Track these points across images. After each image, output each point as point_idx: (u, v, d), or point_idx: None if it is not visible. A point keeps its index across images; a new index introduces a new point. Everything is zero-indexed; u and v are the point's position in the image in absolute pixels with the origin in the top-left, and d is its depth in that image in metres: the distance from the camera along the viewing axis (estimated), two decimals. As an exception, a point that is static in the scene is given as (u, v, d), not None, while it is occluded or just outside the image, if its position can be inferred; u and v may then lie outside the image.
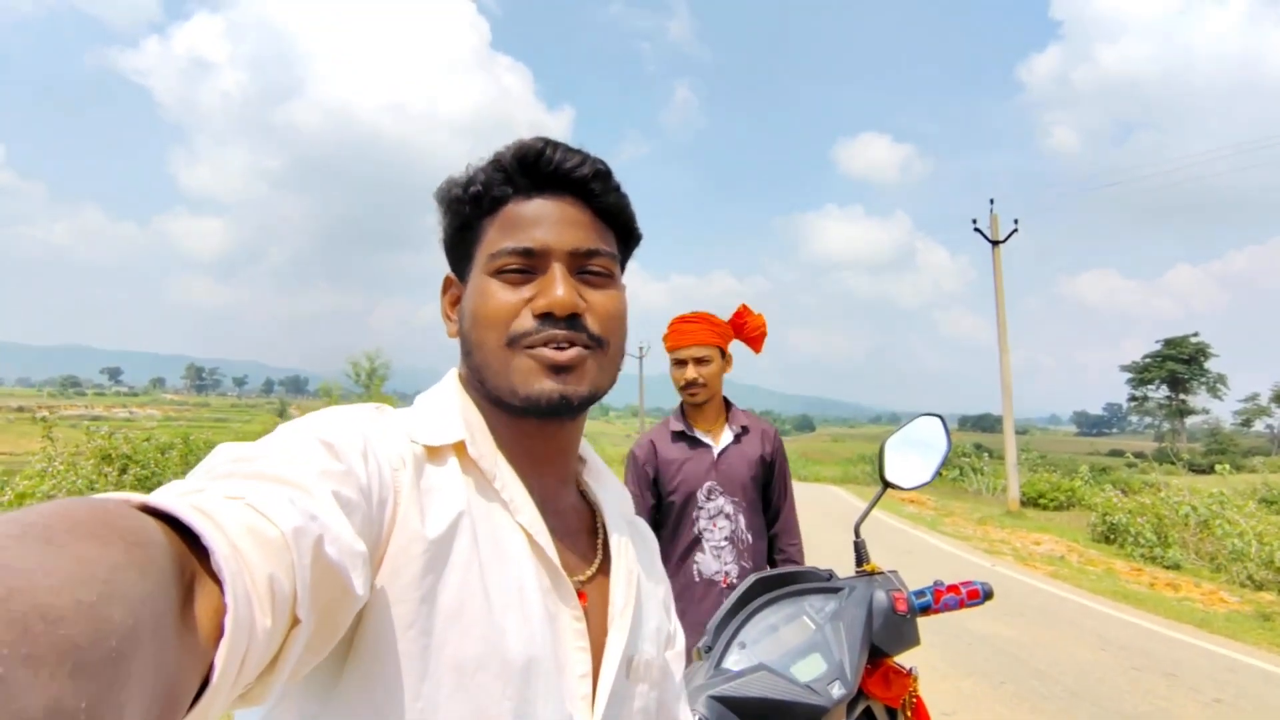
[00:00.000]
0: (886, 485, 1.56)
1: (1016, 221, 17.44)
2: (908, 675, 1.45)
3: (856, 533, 1.58)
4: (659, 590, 0.85)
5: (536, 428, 0.73)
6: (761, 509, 2.38)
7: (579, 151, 0.73)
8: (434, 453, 0.67)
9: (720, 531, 2.28)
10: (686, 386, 2.33)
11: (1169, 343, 54.57)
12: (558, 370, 0.69)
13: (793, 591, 1.42)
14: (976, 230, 17.62)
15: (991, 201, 17.75)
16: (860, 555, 1.55)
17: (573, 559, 0.74)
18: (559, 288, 0.69)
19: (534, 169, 0.72)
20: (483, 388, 0.72)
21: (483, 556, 0.64)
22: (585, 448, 0.83)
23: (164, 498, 0.40)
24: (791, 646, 1.31)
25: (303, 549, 0.44)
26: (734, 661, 1.30)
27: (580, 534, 0.78)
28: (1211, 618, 6.97)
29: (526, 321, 0.69)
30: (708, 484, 2.32)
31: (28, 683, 0.24)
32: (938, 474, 1.52)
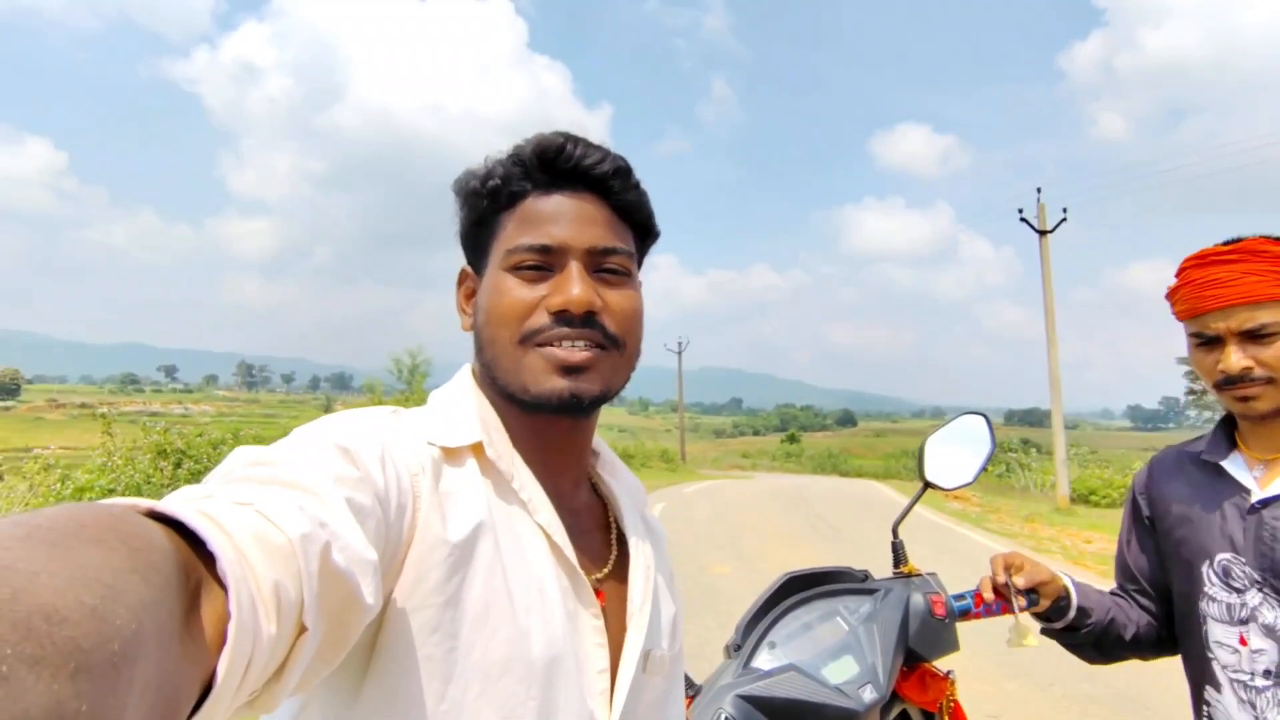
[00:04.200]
0: (927, 485, 1.51)
1: (1065, 210, 16.92)
2: (945, 679, 1.41)
3: (894, 533, 1.54)
4: (670, 579, 0.86)
5: (548, 424, 0.73)
6: None
7: (599, 148, 0.73)
8: (452, 455, 0.67)
9: (1257, 657, 1.16)
10: (1227, 384, 1.19)
11: (1229, 334, 52.45)
12: (569, 370, 0.68)
13: (827, 591, 1.39)
14: (1023, 220, 17.14)
15: (1039, 190, 17.27)
16: (898, 556, 1.51)
17: (588, 557, 0.74)
18: (575, 286, 0.68)
19: (553, 164, 0.71)
20: (495, 384, 0.72)
21: (504, 559, 0.64)
22: (597, 440, 0.83)
23: (171, 503, 0.40)
24: (823, 647, 1.28)
25: (310, 556, 0.44)
26: (764, 661, 1.28)
27: (595, 530, 0.78)
28: None
29: (541, 319, 0.69)
30: (1225, 556, 1.22)
31: (30, 683, 0.24)
32: (980, 474, 1.47)
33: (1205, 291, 1.17)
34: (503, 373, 0.70)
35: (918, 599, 1.36)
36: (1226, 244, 1.19)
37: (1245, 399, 1.17)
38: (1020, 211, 17.18)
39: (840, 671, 1.24)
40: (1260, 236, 1.17)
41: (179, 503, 0.40)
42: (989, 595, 1.32)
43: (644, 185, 0.77)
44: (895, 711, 1.34)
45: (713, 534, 10.62)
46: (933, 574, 1.46)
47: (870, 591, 1.38)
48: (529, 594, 0.65)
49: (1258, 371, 1.14)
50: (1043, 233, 16.87)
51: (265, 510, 0.43)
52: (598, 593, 0.72)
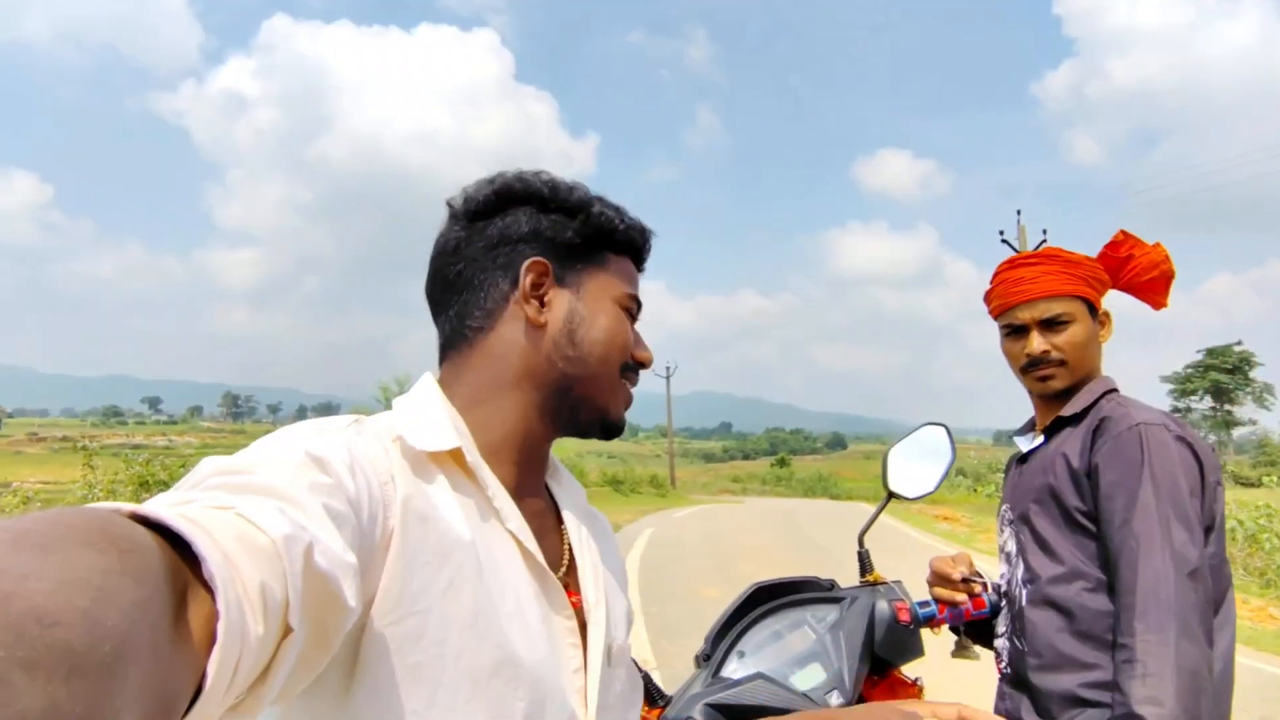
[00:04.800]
0: (891, 495, 1.54)
1: (1045, 231, 17.09)
2: (913, 686, 1.42)
3: (860, 542, 1.56)
4: (618, 571, 0.88)
5: (555, 436, 0.80)
6: (1077, 552, 1.29)
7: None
8: (422, 462, 0.67)
9: (1008, 580, 1.41)
10: (1030, 366, 1.38)
11: (1211, 352, 53.13)
12: (628, 405, 0.82)
13: (794, 601, 1.39)
14: (1004, 242, 17.32)
15: (1018, 212, 17.61)
16: (864, 565, 1.53)
17: (551, 558, 0.76)
18: (647, 347, 0.83)
19: (640, 245, 0.84)
20: (561, 393, 0.76)
21: (483, 565, 0.65)
22: None
23: (154, 507, 0.39)
24: (791, 655, 1.29)
25: (293, 556, 0.43)
26: (732, 670, 1.28)
27: (552, 531, 0.80)
28: (1260, 635, 6.71)
29: (633, 360, 0.81)
30: (1003, 507, 1.47)
31: (25, 686, 0.24)
32: (941, 483, 1.51)
33: (1013, 289, 1.40)
34: (593, 389, 0.77)
35: (883, 606, 1.37)
36: (1030, 252, 1.45)
37: (1044, 379, 1.39)
38: (1001, 233, 17.37)
39: (808, 679, 1.25)
40: (1056, 246, 1.43)
41: (161, 507, 0.40)
42: (960, 598, 1.41)
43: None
44: None
45: (702, 559, 10.56)
46: (898, 582, 1.47)
47: (837, 600, 1.39)
48: (506, 599, 0.66)
49: (1054, 354, 1.37)
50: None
51: (246, 513, 0.43)
52: (571, 593, 0.74)
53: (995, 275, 1.46)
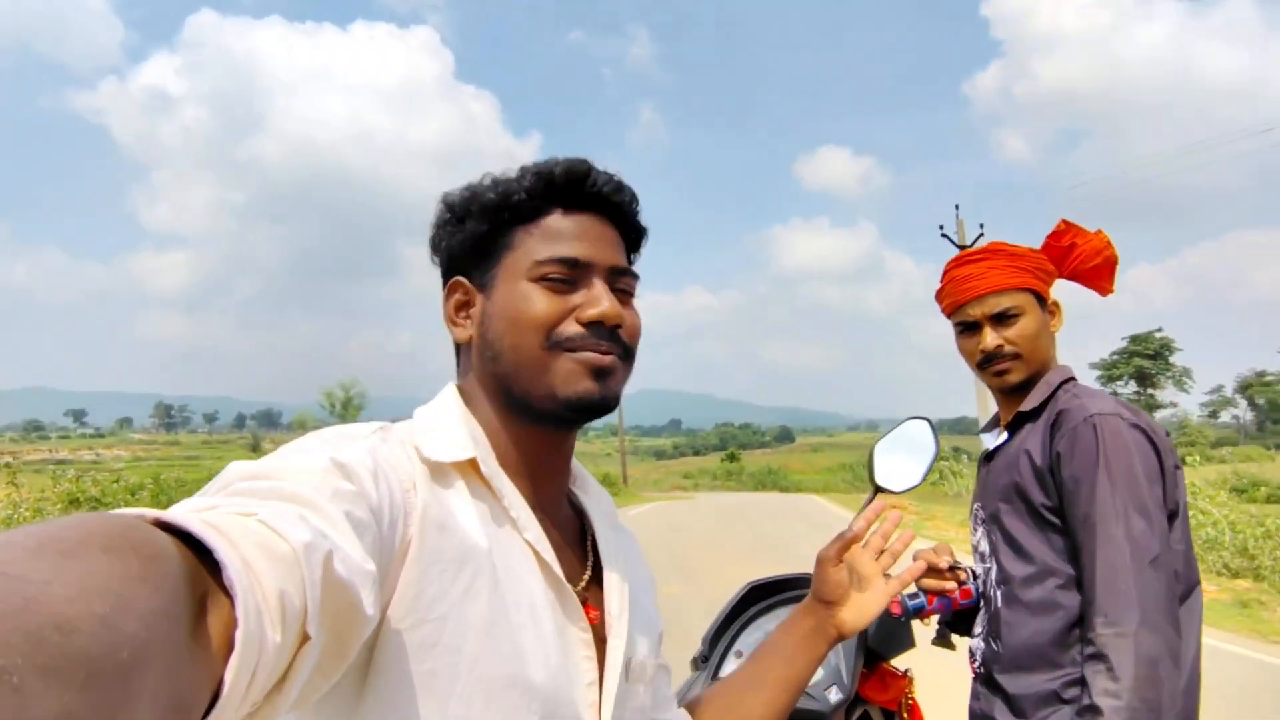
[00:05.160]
0: (878, 490, 1.56)
1: (982, 226, 17.68)
2: (904, 677, 1.46)
3: None
4: (648, 587, 0.88)
5: (546, 437, 0.76)
6: (1047, 549, 1.31)
7: (617, 177, 0.78)
8: (442, 470, 0.68)
9: (985, 579, 1.42)
10: (986, 362, 1.39)
11: (1134, 339, 55.67)
12: (599, 374, 0.72)
13: (788, 598, 1.42)
14: (944, 236, 17.77)
15: (957, 207, 18.23)
16: None
17: (571, 570, 0.76)
18: (605, 299, 0.72)
19: (579, 186, 0.75)
20: (506, 395, 0.74)
21: (499, 574, 0.65)
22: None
23: (177, 513, 0.40)
24: None
25: (313, 565, 0.44)
26: (731, 670, 1.30)
27: (573, 542, 0.80)
28: (1191, 608, 7.07)
29: (572, 327, 0.72)
30: (975, 505, 1.50)
31: (42, 693, 0.25)
32: (926, 477, 1.53)
33: (962, 286, 1.41)
34: (525, 379, 0.72)
35: None
36: (975, 249, 1.45)
37: (1001, 373, 1.40)
38: (941, 228, 17.88)
39: None
40: (1000, 241, 1.43)
41: (184, 513, 0.41)
42: (949, 586, 1.42)
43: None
44: (858, 712, 1.37)
45: (660, 556, 10.59)
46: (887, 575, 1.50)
47: None
48: (521, 610, 0.66)
49: (1007, 348, 1.38)
50: (962, 248, 17.60)
51: (268, 520, 0.44)
52: (587, 606, 0.74)
53: (944, 274, 1.47)
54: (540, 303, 0.72)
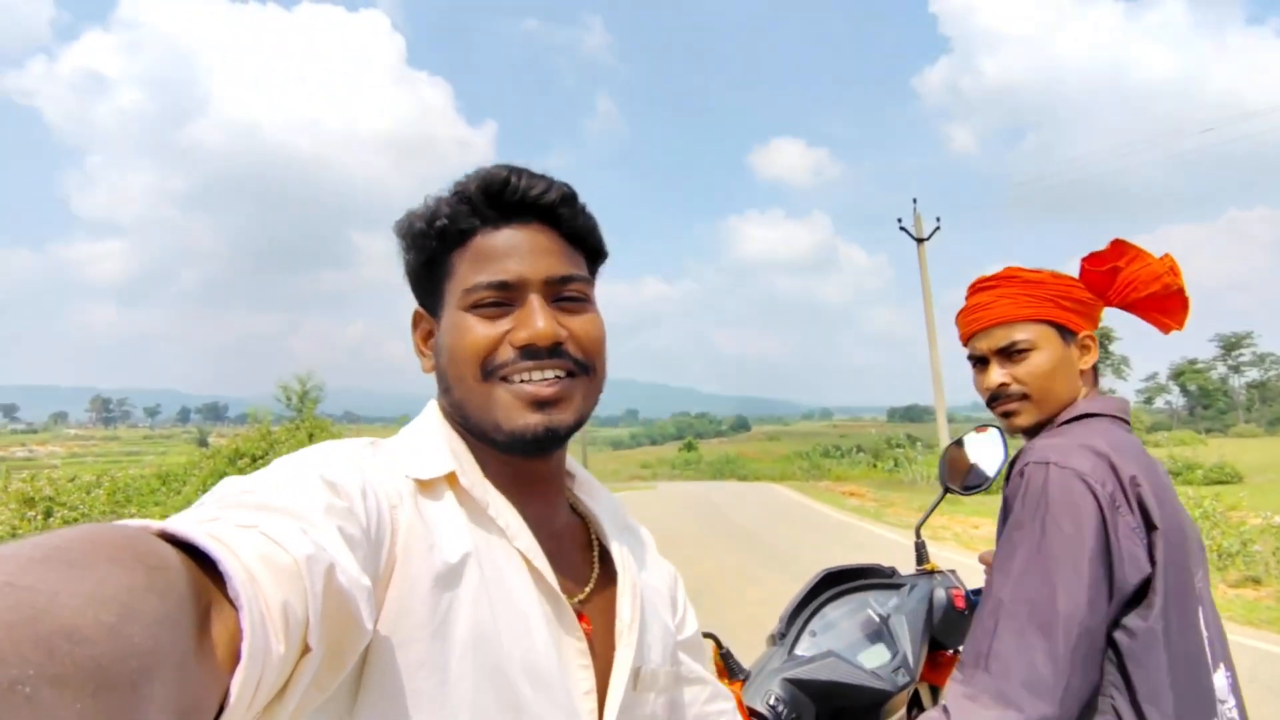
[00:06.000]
0: (947, 490, 1.63)
1: (939, 219, 18.24)
2: (955, 657, 1.54)
3: (917, 534, 1.67)
4: (663, 587, 0.86)
5: (520, 461, 0.73)
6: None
7: (544, 177, 0.73)
8: (427, 486, 0.67)
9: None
10: (993, 401, 1.27)
11: (1076, 329, 57.93)
12: (541, 404, 0.69)
13: (858, 586, 1.49)
14: (903, 229, 18.35)
15: (915, 201, 18.57)
16: (920, 555, 1.64)
17: (570, 578, 0.74)
18: (539, 319, 0.68)
19: (500, 198, 0.71)
20: (465, 424, 0.72)
21: (489, 588, 0.65)
22: (571, 462, 0.83)
23: (179, 524, 0.40)
24: (858, 636, 1.40)
25: (315, 576, 0.44)
26: (805, 648, 1.38)
27: (576, 551, 0.78)
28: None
29: (506, 353, 0.69)
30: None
31: (54, 702, 0.25)
32: (994, 479, 1.56)
33: (970, 316, 1.28)
34: (473, 411, 0.70)
35: (940, 593, 1.49)
36: (989, 275, 1.29)
37: (1007, 415, 1.25)
38: (899, 221, 18.39)
39: (874, 657, 1.35)
40: (1016, 266, 1.27)
41: (186, 524, 0.41)
42: None
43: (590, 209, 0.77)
44: (911, 689, 1.46)
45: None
46: (952, 571, 1.59)
47: (897, 586, 1.49)
48: (513, 621, 0.65)
49: (1014, 387, 1.22)
50: (920, 240, 18.09)
51: (270, 532, 0.44)
52: (581, 616, 0.72)
53: (966, 297, 1.33)
54: (472, 333, 0.69)
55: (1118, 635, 1.02)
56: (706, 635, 1.28)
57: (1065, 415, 1.20)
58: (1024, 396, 1.22)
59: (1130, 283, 1.22)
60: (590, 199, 0.77)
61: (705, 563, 8.74)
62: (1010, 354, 1.23)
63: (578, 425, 0.72)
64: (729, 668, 1.28)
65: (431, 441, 0.71)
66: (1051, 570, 1.00)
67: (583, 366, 0.72)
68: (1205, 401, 78.66)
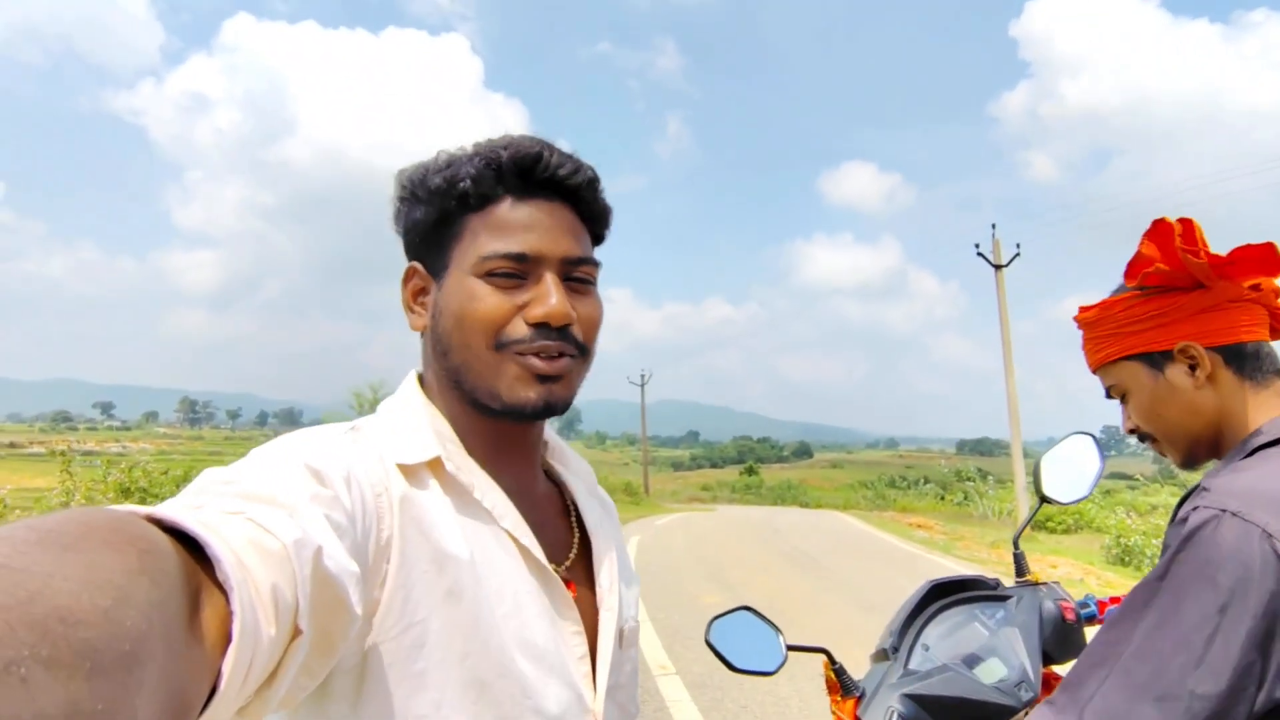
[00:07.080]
0: (1044, 500, 1.59)
1: (1019, 246, 17.68)
2: (1057, 677, 1.48)
3: (1015, 545, 1.62)
4: (624, 552, 0.88)
5: (508, 427, 0.74)
6: None
7: (573, 158, 0.73)
8: (413, 471, 0.67)
9: None
10: (1140, 441, 1.13)
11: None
12: (544, 379, 0.69)
13: (962, 599, 1.45)
14: (980, 255, 17.83)
15: (994, 226, 18.06)
16: (1021, 566, 1.59)
17: (553, 546, 0.76)
18: (554, 297, 0.68)
19: (530, 173, 0.71)
20: (458, 388, 0.72)
21: (479, 570, 0.66)
22: (545, 429, 0.83)
23: (168, 510, 0.40)
24: (970, 650, 1.35)
25: (303, 560, 0.45)
26: (919, 662, 1.34)
27: (556, 518, 0.80)
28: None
29: (519, 328, 0.69)
30: None
31: (49, 684, 0.25)
32: (1093, 489, 1.55)
33: (1084, 348, 1.13)
34: (474, 377, 0.70)
35: (1049, 605, 1.43)
36: (1095, 304, 1.10)
37: (1161, 455, 1.11)
38: (977, 246, 17.88)
39: (990, 672, 1.30)
40: (1084, 305, 1.11)
41: (175, 510, 0.41)
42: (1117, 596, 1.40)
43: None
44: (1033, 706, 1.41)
45: (694, 566, 10.61)
46: (1056, 583, 1.53)
47: (1002, 598, 1.45)
48: (505, 600, 0.67)
49: (1141, 429, 1.08)
50: (998, 267, 17.56)
51: (257, 518, 0.45)
52: (567, 583, 0.74)
53: None
54: (487, 302, 0.68)
55: None
56: (819, 650, 1.25)
57: (1254, 442, 0.95)
58: (1153, 439, 1.08)
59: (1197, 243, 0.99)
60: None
61: (769, 587, 8.60)
62: (1121, 398, 1.10)
63: (565, 407, 0.72)
64: (842, 684, 1.26)
65: (414, 423, 0.71)
66: (1194, 639, 0.81)
67: (582, 349, 0.73)
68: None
